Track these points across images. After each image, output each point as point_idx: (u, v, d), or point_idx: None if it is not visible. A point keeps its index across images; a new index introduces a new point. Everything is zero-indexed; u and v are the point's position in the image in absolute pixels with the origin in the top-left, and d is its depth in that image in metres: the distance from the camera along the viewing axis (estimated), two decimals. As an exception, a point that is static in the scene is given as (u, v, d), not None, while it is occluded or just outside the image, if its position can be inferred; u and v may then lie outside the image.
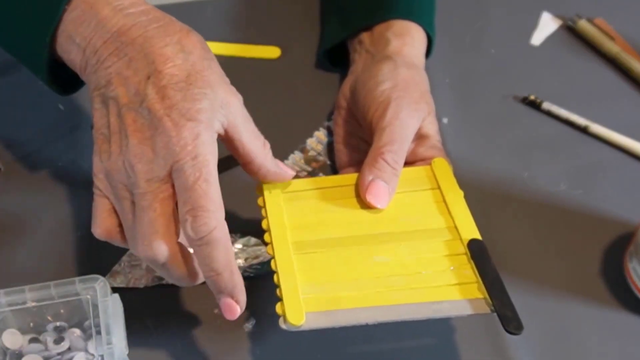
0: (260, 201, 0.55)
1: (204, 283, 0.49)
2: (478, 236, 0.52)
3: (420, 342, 0.57)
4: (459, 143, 0.67)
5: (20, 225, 0.62)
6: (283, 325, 0.48)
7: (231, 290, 0.48)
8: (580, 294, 0.59)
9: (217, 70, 0.50)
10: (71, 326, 0.55)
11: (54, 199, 0.64)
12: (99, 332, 0.50)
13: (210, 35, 0.74)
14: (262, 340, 0.57)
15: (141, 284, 0.58)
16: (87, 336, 0.54)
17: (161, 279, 0.58)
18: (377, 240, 0.52)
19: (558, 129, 0.69)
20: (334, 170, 0.66)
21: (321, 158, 0.67)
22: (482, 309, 0.49)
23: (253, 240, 0.60)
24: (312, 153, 0.67)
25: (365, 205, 0.55)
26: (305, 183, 0.57)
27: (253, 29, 0.76)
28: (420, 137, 0.60)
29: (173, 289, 0.58)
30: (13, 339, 0.54)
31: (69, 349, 0.54)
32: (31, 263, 0.60)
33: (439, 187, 0.56)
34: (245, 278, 0.58)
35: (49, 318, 0.55)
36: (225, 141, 0.51)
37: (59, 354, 0.53)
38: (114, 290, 0.53)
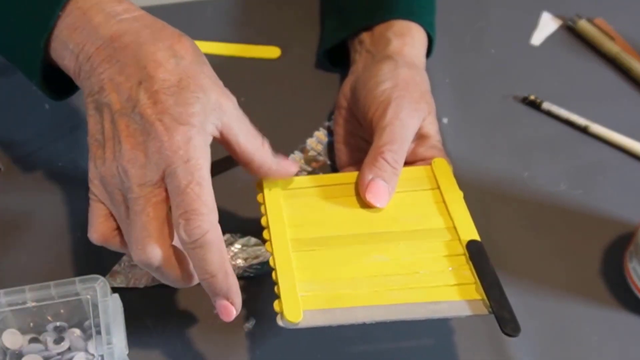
0: (259, 198, 0.55)
1: (203, 283, 0.49)
2: (477, 237, 0.52)
3: (420, 342, 0.57)
4: (459, 143, 0.67)
5: (20, 225, 0.62)
6: (280, 323, 0.48)
7: (226, 292, 0.48)
8: (580, 294, 0.59)
9: (210, 74, 0.50)
10: (71, 326, 0.55)
11: (54, 199, 0.64)
12: (99, 332, 0.50)
13: (210, 35, 0.75)
14: (261, 340, 0.57)
15: (141, 284, 0.58)
16: (87, 336, 0.54)
17: (161, 279, 0.58)
18: (376, 239, 0.52)
19: (558, 129, 0.69)
20: (334, 170, 0.66)
21: (321, 158, 0.67)
22: (480, 310, 0.49)
23: (253, 240, 0.60)
24: (312, 153, 0.67)
25: (364, 204, 0.55)
26: (305, 180, 0.56)
27: (253, 29, 0.76)
28: (420, 137, 0.60)
29: (173, 289, 0.58)
30: (13, 339, 0.54)
31: (69, 349, 0.54)
32: (31, 263, 0.60)
33: (438, 187, 0.56)
34: (245, 278, 0.59)
35: (49, 318, 0.55)
36: (222, 143, 0.51)
37: (59, 354, 0.53)
38: (114, 290, 0.53)
